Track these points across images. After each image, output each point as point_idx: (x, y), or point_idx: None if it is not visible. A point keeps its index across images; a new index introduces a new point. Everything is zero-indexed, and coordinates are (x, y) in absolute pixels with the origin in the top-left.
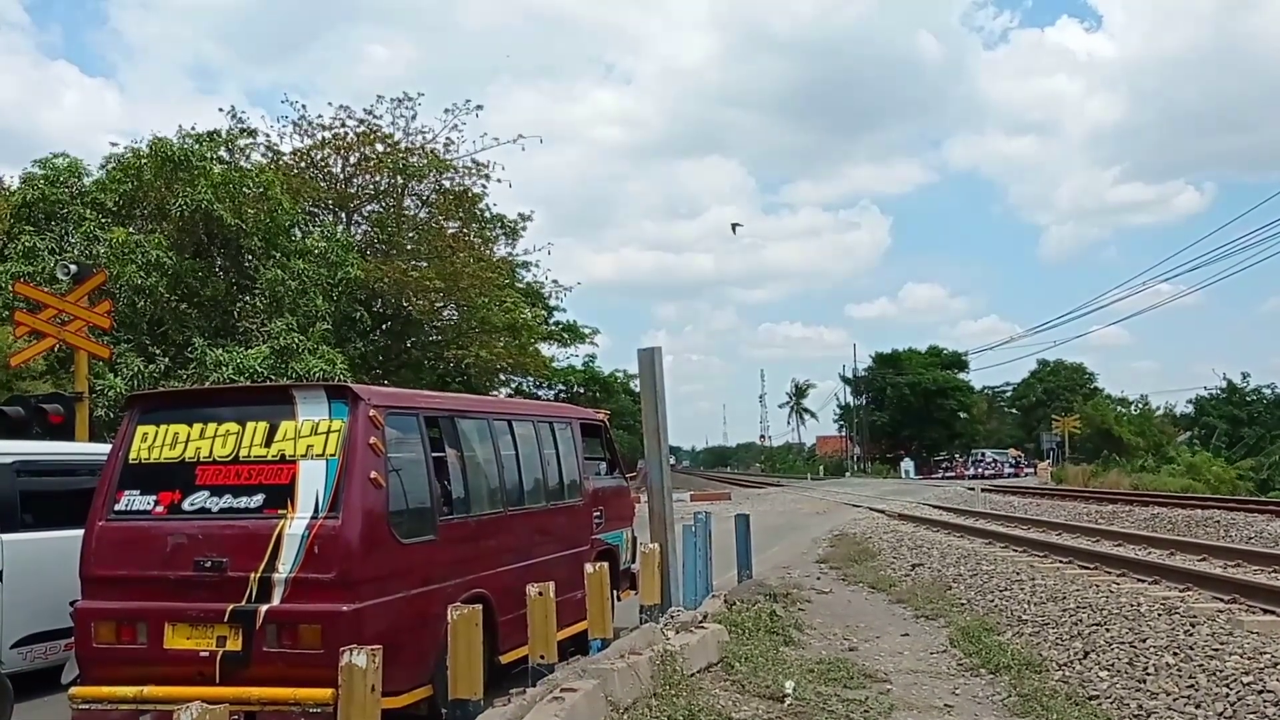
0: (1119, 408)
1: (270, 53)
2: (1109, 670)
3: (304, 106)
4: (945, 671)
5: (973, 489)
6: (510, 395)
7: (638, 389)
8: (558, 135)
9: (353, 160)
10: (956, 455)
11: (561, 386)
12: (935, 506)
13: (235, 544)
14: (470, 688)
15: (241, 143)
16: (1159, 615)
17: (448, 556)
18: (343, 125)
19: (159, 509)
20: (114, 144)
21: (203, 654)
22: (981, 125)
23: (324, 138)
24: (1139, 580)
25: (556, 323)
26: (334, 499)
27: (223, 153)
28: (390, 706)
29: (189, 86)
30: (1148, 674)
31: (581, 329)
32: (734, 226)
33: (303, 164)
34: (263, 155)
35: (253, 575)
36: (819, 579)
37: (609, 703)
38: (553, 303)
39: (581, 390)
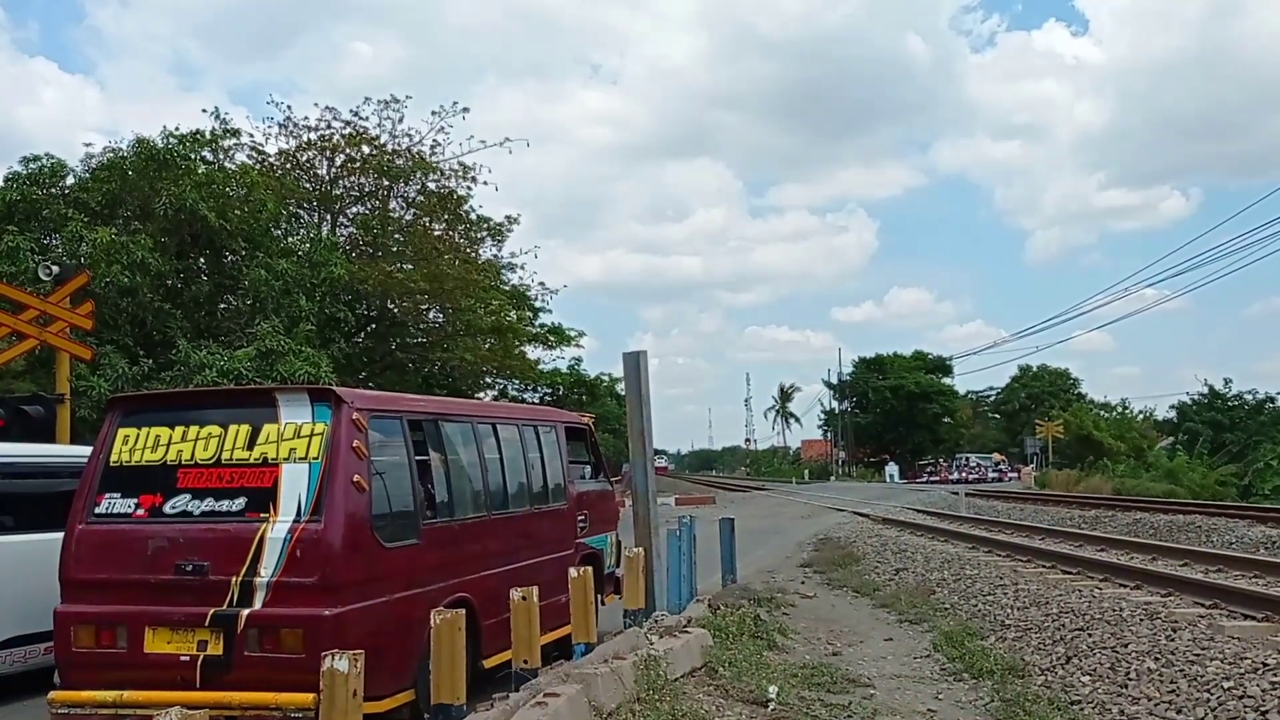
0: (1101, 413)
1: (252, 50)
2: (1091, 675)
3: (289, 107)
4: (928, 676)
5: (956, 493)
6: (495, 398)
7: (623, 392)
8: (544, 135)
9: (338, 162)
10: (940, 459)
11: (547, 389)
12: (919, 511)
13: (217, 548)
14: (453, 692)
15: (226, 143)
16: (1141, 620)
17: (431, 560)
18: (329, 126)
19: (140, 512)
20: (87, 145)
21: (183, 658)
22: (969, 129)
23: (310, 139)
24: (1121, 585)
25: (542, 325)
26: (316, 502)
27: (206, 153)
28: (372, 711)
29: (170, 84)
30: (1129, 679)
31: (567, 331)
32: None
33: (288, 165)
34: (248, 156)
35: (234, 579)
36: (803, 583)
37: (592, 708)
38: (539, 305)
39: (567, 393)
